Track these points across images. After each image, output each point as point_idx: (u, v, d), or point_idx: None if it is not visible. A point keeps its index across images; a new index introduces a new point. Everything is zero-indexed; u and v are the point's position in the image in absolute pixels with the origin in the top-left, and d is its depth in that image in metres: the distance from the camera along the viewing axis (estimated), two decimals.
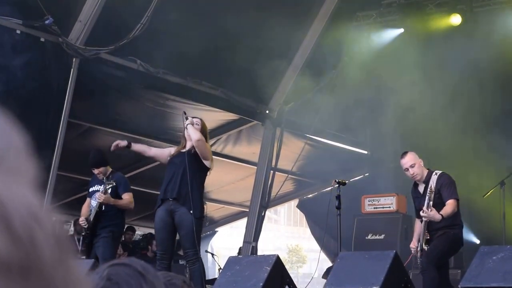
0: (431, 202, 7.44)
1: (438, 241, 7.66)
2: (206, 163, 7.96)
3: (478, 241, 12.22)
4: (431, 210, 7.40)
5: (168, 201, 7.78)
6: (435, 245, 7.65)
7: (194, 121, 8.02)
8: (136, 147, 8.44)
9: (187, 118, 7.97)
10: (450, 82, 12.62)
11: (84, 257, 8.62)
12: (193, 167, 7.80)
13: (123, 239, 14.28)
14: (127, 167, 13.30)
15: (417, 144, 11.11)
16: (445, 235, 7.66)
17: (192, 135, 7.81)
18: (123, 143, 8.26)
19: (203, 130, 8.02)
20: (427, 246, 7.69)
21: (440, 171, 7.83)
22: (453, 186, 7.75)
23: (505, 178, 10.57)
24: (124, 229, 9.30)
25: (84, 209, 8.98)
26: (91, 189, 8.96)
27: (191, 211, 7.66)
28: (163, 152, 8.33)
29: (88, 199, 9.02)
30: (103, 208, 8.62)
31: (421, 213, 7.51)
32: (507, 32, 12.59)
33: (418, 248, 7.75)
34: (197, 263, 7.85)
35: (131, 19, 10.52)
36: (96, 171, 8.91)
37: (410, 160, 7.86)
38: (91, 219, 8.67)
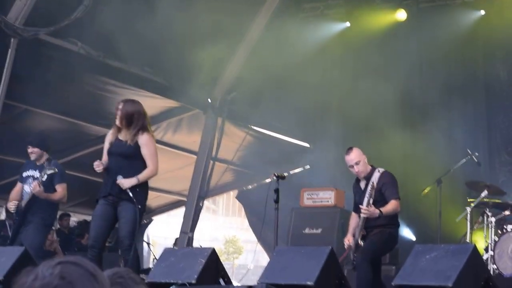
0: (371, 199, 7.42)
1: (373, 239, 7.67)
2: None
3: (414, 238, 12.31)
4: (370, 207, 7.39)
5: (112, 196, 7.55)
6: (370, 242, 7.66)
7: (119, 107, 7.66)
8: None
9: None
10: (393, 78, 12.64)
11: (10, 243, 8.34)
12: (135, 158, 7.56)
13: (58, 226, 14.02)
14: (64, 151, 13.05)
15: (358, 140, 11.11)
16: (381, 233, 7.67)
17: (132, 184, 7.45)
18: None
19: (143, 118, 7.69)
20: (362, 242, 7.69)
21: (383, 169, 7.81)
22: (395, 185, 7.75)
23: (442, 176, 10.65)
24: (57, 217, 8.96)
25: (13, 194, 8.53)
26: (24, 174, 8.57)
27: (135, 201, 7.44)
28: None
29: (19, 183, 8.64)
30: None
31: (361, 211, 7.49)
32: (451, 29, 12.68)
33: (353, 244, 7.74)
34: (132, 252, 7.68)
35: (74, 0, 10.26)
36: (30, 149, 8.47)
37: (355, 157, 7.80)
38: (23, 205, 8.33)
